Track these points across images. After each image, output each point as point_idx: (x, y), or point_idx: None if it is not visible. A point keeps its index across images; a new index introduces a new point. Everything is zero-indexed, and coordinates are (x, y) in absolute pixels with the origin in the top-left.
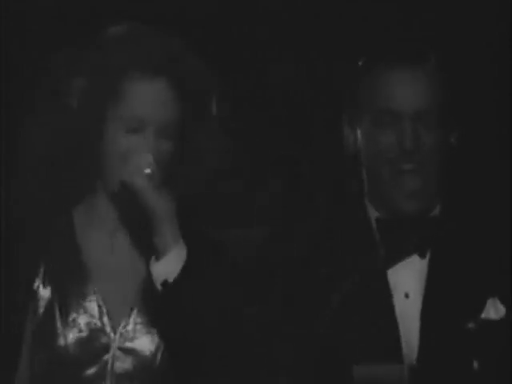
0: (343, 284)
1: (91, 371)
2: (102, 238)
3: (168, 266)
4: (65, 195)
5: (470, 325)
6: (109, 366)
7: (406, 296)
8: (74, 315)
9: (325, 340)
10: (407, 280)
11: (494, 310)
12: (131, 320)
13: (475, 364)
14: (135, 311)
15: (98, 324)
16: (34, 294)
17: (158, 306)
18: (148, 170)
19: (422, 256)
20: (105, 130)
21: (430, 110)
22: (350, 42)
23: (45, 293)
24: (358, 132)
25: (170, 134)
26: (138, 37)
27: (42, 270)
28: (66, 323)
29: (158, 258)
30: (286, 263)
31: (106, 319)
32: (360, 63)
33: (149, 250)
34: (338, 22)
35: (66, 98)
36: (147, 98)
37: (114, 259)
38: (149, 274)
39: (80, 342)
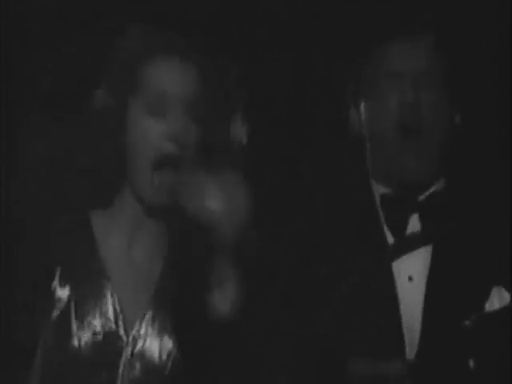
0: (343, 284)
1: (103, 374)
2: (120, 242)
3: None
4: (83, 197)
5: (467, 322)
6: (120, 369)
7: (410, 279)
8: (89, 317)
9: (325, 339)
10: (411, 263)
11: (498, 298)
12: (144, 324)
13: (471, 363)
14: (148, 315)
15: (113, 327)
16: (50, 295)
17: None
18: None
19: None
20: (128, 122)
21: (431, 74)
22: (349, 42)
23: (62, 294)
24: (362, 106)
25: (194, 114)
26: (152, 29)
27: (58, 271)
28: (81, 325)
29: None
30: (286, 263)
31: (120, 322)
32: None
33: (203, 281)
34: (338, 22)
35: (88, 101)
36: (168, 75)
37: (130, 263)
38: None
39: (94, 344)
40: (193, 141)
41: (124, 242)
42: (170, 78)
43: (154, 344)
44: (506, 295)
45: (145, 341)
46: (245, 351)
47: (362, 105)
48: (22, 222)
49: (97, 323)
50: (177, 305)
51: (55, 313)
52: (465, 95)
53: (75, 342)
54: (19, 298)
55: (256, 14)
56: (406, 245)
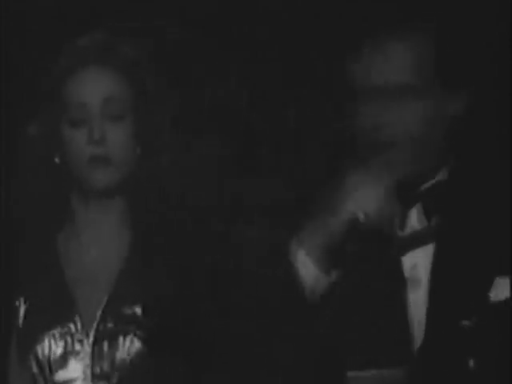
0: (345, 283)
1: (68, 373)
2: (78, 247)
3: None
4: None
5: (466, 322)
6: (84, 366)
7: (413, 268)
8: (48, 321)
9: (325, 340)
10: (416, 256)
11: (503, 289)
12: (102, 322)
13: (471, 363)
14: (105, 313)
15: (72, 329)
16: (19, 300)
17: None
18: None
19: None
20: (61, 141)
21: (406, 81)
22: (350, 42)
23: (24, 307)
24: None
25: (117, 113)
26: (76, 40)
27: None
28: (42, 329)
29: None
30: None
31: (79, 323)
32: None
33: None
34: (337, 22)
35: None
36: (84, 83)
37: (87, 265)
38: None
39: (55, 345)
40: (119, 141)
41: (81, 246)
42: (84, 88)
43: (115, 340)
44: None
45: (104, 337)
46: (245, 351)
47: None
48: (21, 221)
49: (56, 326)
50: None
51: (18, 321)
52: (464, 85)
53: (39, 349)
54: (19, 297)
55: (256, 14)
56: (410, 242)
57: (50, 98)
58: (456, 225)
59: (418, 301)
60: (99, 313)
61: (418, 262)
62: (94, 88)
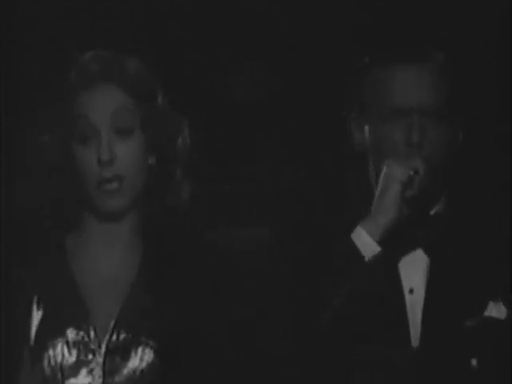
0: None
1: (79, 382)
2: (88, 254)
3: None
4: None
5: (468, 323)
6: (96, 377)
7: (411, 291)
8: (62, 329)
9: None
10: (412, 275)
11: (496, 312)
12: (115, 333)
13: (473, 362)
14: (118, 324)
15: (85, 338)
16: (30, 310)
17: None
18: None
19: (428, 253)
20: (69, 156)
21: (437, 106)
22: (352, 43)
23: (38, 312)
24: (366, 129)
25: (126, 126)
26: (83, 58)
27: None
28: (55, 335)
29: None
30: (286, 263)
31: (92, 333)
32: (363, 62)
33: None
34: (339, 23)
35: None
36: (92, 100)
37: (101, 275)
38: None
39: (68, 352)
40: (129, 157)
41: (91, 253)
42: (92, 105)
43: (128, 350)
44: (503, 309)
45: (117, 348)
46: (244, 352)
47: (366, 128)
48: (21, 221)
49: (70, 334)
50: (156, 310)
51: (33, 326)
52: (469, 114)
53: (50, 352)
54: (20, 298)
55: (255, 14)
56: (400, 248)
57: (60, 113)
58: (451, 248)
59: (415, 318)
60: (112, 324)
61: (413, 287)
62: (102, 104)
